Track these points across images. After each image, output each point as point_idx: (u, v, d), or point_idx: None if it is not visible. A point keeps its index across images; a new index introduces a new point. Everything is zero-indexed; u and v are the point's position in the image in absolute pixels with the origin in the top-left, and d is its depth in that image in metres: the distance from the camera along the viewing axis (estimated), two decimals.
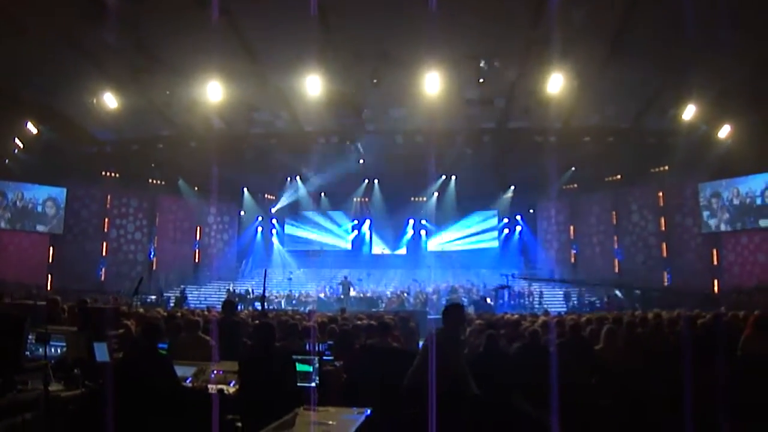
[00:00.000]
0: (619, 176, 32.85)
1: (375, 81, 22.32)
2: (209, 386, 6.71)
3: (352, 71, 22.08)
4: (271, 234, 39.25)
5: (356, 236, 39.12)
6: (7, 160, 27.78)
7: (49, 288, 27.92)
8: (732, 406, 7.24)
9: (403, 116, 27.25)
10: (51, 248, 30.80)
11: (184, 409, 6.09)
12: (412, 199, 37.51)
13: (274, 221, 39.06)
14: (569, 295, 30.90)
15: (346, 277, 32.15)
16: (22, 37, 19.36)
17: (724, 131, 25.39)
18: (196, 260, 35.97)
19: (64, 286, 26.46)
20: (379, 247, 38.92)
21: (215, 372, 7.07)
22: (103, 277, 31.78)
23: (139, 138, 29.88)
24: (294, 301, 30.26)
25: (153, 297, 29.48)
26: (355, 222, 39.06)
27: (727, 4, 16.36)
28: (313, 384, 6.81)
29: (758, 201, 27.11)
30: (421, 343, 13.21)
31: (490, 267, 35.77)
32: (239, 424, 6.06)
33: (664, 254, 31.23)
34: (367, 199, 37.97)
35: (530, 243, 37.43)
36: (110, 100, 23.77)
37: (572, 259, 34.85)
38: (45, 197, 30.39)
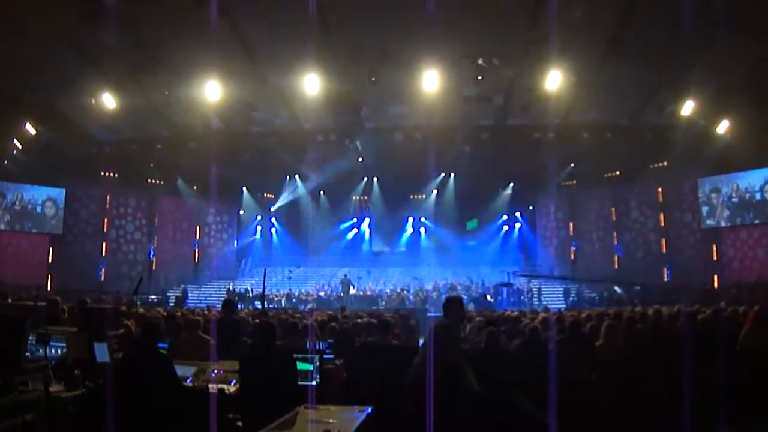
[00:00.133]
0: (618, 172, 32.84)
1: (373, 79, 22.32)
2: (210, 385, 6.71)
3: (350, 69, 22.06)
4: (271, 233, 39.25)
5: (356, 234, 39.08)
6: (5, 161, 27.73)
7: (49, 288, 27.90)
8: (732, 400, 7.25)
9: (401, 114, 27.27)
10: (51, 249, 30.78)
11: (184, 408, 6.10)
12: (412, 196, 37.53)
13: (273, 220, 39.05)
14: (569, 292, 30.92)
15: (346, 275, 32.18)
16: (21, 37, 19.35)
17: (723, 126, 25.36)
18: (196, 260, 35.97)
19: (64, 286, 26.44)
20: (378, 245, 38.90)
21: (216, 371, 7.07)
22: (102, 278, 31.77)
23: (138, 138, 29.87)
24: (294, 300, 30.27)
25: (153, 297, 29.49)
26: (355, 220, 39.04)
27: (725, 2, 16.38)
28: (314, 382, 6.81)
29: (757, 196, 27.10)
30: (421, 341, 13.25)
31: (489, 264, 35.81)
32: (240, 423, 6.07)
33: (664, 250, 31.24)
34: (366, 197, 37.98)
35: (530, 240, 37.46)
36: (109, 101, 23.75)
37: (572, 256, 34.86)
38: (44, 198, 30.36)
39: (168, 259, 34.41)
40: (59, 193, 30.82)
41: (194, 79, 22.46)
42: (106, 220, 32.62)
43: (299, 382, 6.50)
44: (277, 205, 37.88)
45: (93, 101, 23.96)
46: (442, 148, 28.69)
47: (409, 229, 38.68)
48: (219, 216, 36.75)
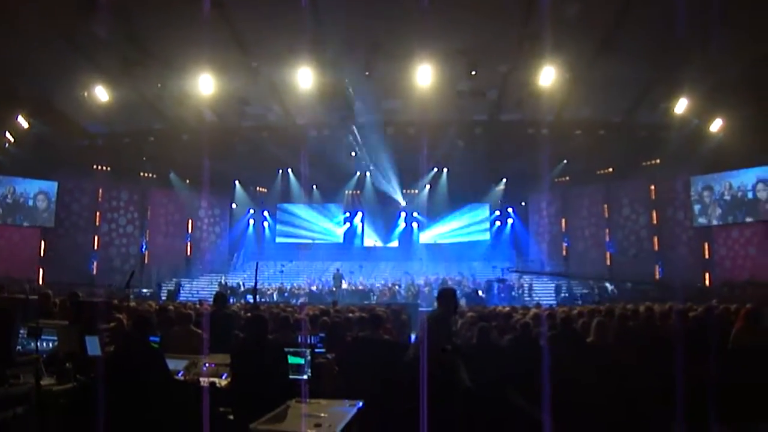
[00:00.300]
0: (610, 169, 32.92)
1: (367, 73, 22.30)
2: (201, 379, 6.71)
3: (343, 64, 22.04)
4: (263, 227, 39.22)
5: (348, 229, 39.08)
6: None
7: (40, 282, 27.86)
8: (723, 398, 7.28)
9: (395, 108, 27.26)
10: (42, 242, 30.71)
11: (176, 402, 6.09)
12: (405, 191, 37.50)
13: (265, 214, 39.02)
14: (560, 288, 30.99)
15: (338, 270, 32.19)
16: (14, 30, 19.24)
17: (716, 125, 25.42)
18: (188, 253, 35.92)
19: (56, 280, 26.37)
20: (371, 240, 38.92)
21: (207, 365, 7.07)
22: (94, 271, 31.72)
23: (130, 131, 29.78)
24: (286, 294, 30.27)
25: (146, 290, 29.46)
26: (347, 214, 39.02)
27: (719, 1, 16.42)
28: (305, 376, 6.82)
29: (749, 195, 27.23)
30: (413, 336, 13.26)
31: (481, 259, 35.90)
32: (231, 417, 6.07)
33: (656, 248, 31.35)
34: (359, 192, 37.96)
35: (522, 235, 37.50)
36: (101, 94, 23.64)
37: (564, 252, 34.92)
38: (36, 191, 30.28)
39: (160, 252, 34.35)
40: (51, 186, 30.72)
41: (187, 72, 22.39)
42: (98, 213, 32.55)
43: (291, 376, 6.51)
44: (270, 198, 37.84)
45: (86, 94, 23.84)
46: (435, 143, 28.68)
47: (402, 224, 38.65)
48: (211, 209, 36.71)
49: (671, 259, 30.30)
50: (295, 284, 31.95)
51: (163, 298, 28.08)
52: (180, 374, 6.93)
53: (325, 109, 26.54)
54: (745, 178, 27.43)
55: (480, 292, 29.42)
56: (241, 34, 20.83)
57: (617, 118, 27.49)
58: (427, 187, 36.38)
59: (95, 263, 32.02)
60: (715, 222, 28.66)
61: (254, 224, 38.90)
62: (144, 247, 33.86)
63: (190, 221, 35.90)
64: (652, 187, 31.69)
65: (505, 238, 38.07)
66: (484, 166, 33.04)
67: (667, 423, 7.38)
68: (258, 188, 38.12)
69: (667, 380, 7.21)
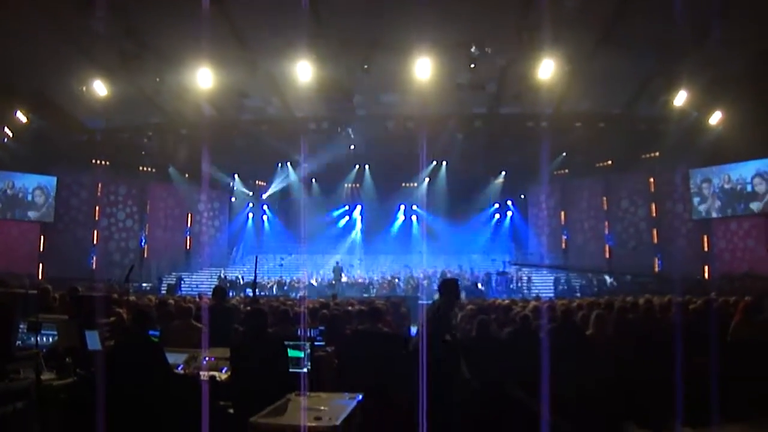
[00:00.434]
0: (609, 162, 32.85)
1: (366, 67, 22.27)
2: (201, 373, 6.71)
3: (342, 57, 22.01)
4: (262, 220, 39.21)
5: (347, 222, 39.04)
6: None
7: (40, 277, 27.83)
8: (723, 390, 7.31)
9: (394, 102, 27.20)
10: (42, 237, 30.67)
11: (175, 396, 6.10)
12: (403, 184, 37.49)
13: (265, 207, 39.00)
14: (558, 280, 31.04)
15: (338, 263, 32.22)
16: (11, 25, 19.21)
17: (716, 118, 25.40)
18: (188, 247, 35.88)
19: (56, 274, 26.37)
20: (370, 233, 38.87)
21: (207, 359, 7.07)
22: (94, 266, 31.68)
23: (129, 126, 29.74)
24: (285, 287, 30.30)
25: (146, 285, 29.49)
26: (346, 208, 39.00)
27: None
28: (305, 369, 6.83)
29: (748, 188, 27.22)
30: (413, 329, 13.28)
31: (481, 252, 35.91)
32: (231, 411, 6.08)
33: (655, 240, 31.36)
34: (358, 185, 37.93)
35: (521, 228, 37.51)
36: (100, 88, 23.60)
37: (563, 245, 34.92)
38: (35, 186, 30.23)
39: (159, 246, 34.33)
40: (50, 181, 30.66)
41: (185, 66, 22.34)
42: (97, 208, 32.48)
43: (290, 370, 6.52)
44: (269, 192, 37.80)
45: (84, 89, 23.80)
46: (435, 136, 28.63)
47: (401, 217, 38.63)
48: (210, 203, 36.63)
49: (670, 251, 30.30)
50: (294, 277, 31.95)
51: (163, 292, 28.08)
52: (180, 368, 6.94)
53: (324, 103, 26.55)
54: (744, 171, 27.41)
55: (479, 285, 29.46)
56: (240, 27, 20.78)
57: (616, 110, 27.47)
58: (427, 180, 36.34)
59: (95, 258, 31.99)
60: (714, 215, 28.66)
61: (253, 218, 38.85)
62: (143, 241, 33.83)
63: (189, 215, 35.84)
64: (652, 179, 31.68)
65: (505, 230, 38.08)
66: (483, 159, 33.04)
67: (667, 415, 7.40)
68: (257, 182, 38.06)
69: (667, 373, 7.23)
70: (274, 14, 19.53)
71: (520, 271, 31.66)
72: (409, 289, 29.35)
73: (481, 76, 23.47)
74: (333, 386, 6.89)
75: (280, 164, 35.97)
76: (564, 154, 32.00)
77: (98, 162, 32.31)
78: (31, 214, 30.23)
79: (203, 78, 22.57)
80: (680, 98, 24.15)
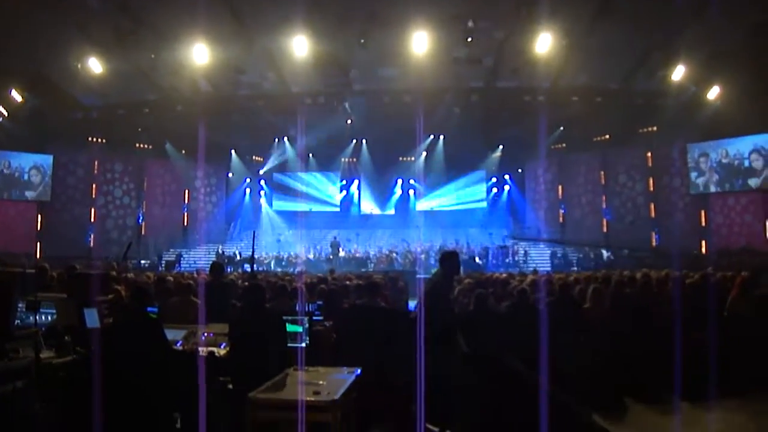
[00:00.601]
0: (607, 136, 32.75)
1: (362, 41, 22.16)
2: (199, 348, 6.73)
3: (339, 31, 21.89)
4: (260, 195, 39.17)
5: (345, 196, 39.06)
6: None
7: (38, 256, 27.86)
8: (720, 364, 7.35)
9: (390, 76, 27.09)
10: (39, 216, 30.68)
11: (174, 372, 6.13)
12: (401, 159, 37.44)
13: (262, 183, 38.95)
14: (555, 254, 31.13)
15: (335, 238, 32.25)
16: (4, 2, 19.06)
17: (714, 92, 25.33)
18: (185, 223, 35.88)
19: (53, 253, 26.36)
20: (367, 207, 38.90)
21: (205, 334, 7.09)
22: (92, 244, 31.71)
23: (125, 102, 29.61)
24: (283, 263, 30.34)
25: (144, 261, 29.55)
26: (344, 182, 38.98)
27: None
28: (303, 344, 6.85)
29: (746, 163, 27.18)
30: (410, 303, 13.31)
31: (478, 226, 35.95)
32: (230, 386, 6.11)
33: (652, 215, 31.38)
34: (355, 160, 37.84)
35: (518, 203, 37.51)
36: (95, 65, 23.51)
37: (560, 219, 34.93)
38: (31, 165, 30.16)
39: (157, 223, 34.33)
40: (46, 160, 30.60)
41: (181, 41, 22.23)
42: (94, 185, 32.46)
43: (289, 344, 6.54)
44: (266, 167, 37.74)
45: (79, 66, 23.69)
46: (432, 110, 28.55)
47: (398, 192, 38.62)
48: (207, 179, 36.57)
49: (667, 226, 30.32)
50: (292, 253, 31.97)
51: (161, 269, 28.12)
52: (178, 344, 6.96)
53: (321, 77, 26.44)
54: (742, 146, 27.36)
55: (477, 259, 29.52)
56: (236, 2, 20.64)
57: (614, 85, 27.35)
58: (424, 154, 36.27)
59: (92, 236, 32.00)
60: (712, 189, 28.65)
61: (251, 193, 38.81)
62: (141, 218, 33.83)
63: (186, 191, 35.80)
64: (649, 154, 31.64)
65: (502, 205, 38.04)
66: (480, 134, 32.90)
67: (664, 389, 7.46)
68: (254, 157, 37.99)
69: (664, 347, 7.27)
70: None
71: (517, 245, 31.70)
72: (406, 263, 29.40)
73: (478, 50, 23.38)
74: (331, 360, 6.91)
75: (276, 139, 35.84)
76: (561, 128, 31.90)
77: (94, 140, 32.25)
78: (28, 194, 30.20)
79: (199, 54, 22.48)
80: (678, 72, 24.09)
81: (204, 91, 27.66)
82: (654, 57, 23.88)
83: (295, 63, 23.66)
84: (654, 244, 30.78)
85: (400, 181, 38.44)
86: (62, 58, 23.39)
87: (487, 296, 8.97)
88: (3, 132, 27.50)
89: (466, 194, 38.06)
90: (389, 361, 6.76)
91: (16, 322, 6.53)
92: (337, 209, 38.90)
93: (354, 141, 36.13)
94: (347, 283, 12.44)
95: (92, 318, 6.79)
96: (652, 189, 31.53)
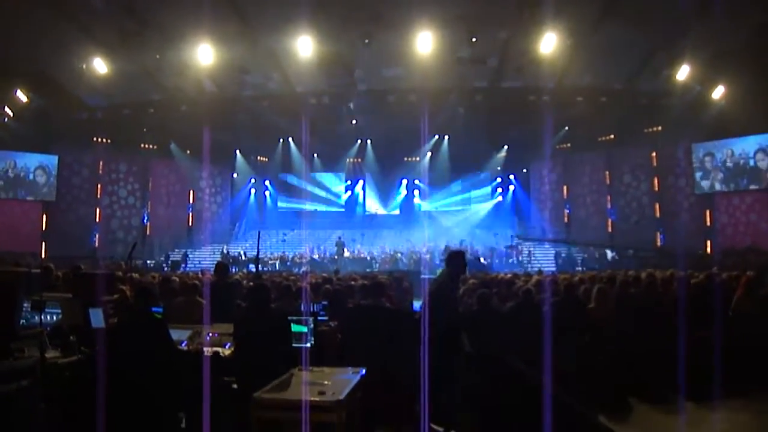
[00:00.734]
0: (612, 136, 32.69)
1: (367, 41, 22.18)
2: (204, 349, 6.74)
3: (343, 31, 21.91)
4: (264, 196, 39.18)
5: (350, 197, 39.05)
6: None
7: (43, 256, 27.91)
8: (726, 363, 7.33)
9: (395, 76, 27.13)
10: (44, 216, 30.71)
11: (179, 372, 6.13)
12: (406, 159, 37.41)
13: (267, 183, 38.96)
14: (559, 254, 31.11)
15: (340, 238, 32.26)
16: (10, 3, 19.11)
17: (718, 92, 25.29)
18: (190, 223, 35.91)
19: (58, 253, 26.40)
20: (372, 207, 38.89)
21: (210, 334, 7.10)
22: (96, 244, 31.72)
23: (130, 103, 29.69)
24: (288, 263, 30.34)
25: (150, 262, 29.61)
26: (348, 183, 38.98)
27: None
28: (308, 344, 6.86)
29: (751, 162, 27.09)
30: (415, 303, 13.31)
31: (483, 227, 35.90)
32: (235, 386, 6.11)
33: (657, 214, 31.30)
34: (360, 160, 37.84)
35: (523, 203, 37.44)
36: (100, 66, 23.58)
37: (565, 219, 34.90)
38: (36, 165, 30.21)
39: (162, 223, 34.36)
40: (51, 160, 30.63)
41: (186, 42, 22.28)
42: (99, 186, 32.46)
43: (294, 345, 6.54)
44: (271, 168, 37.77)
45: (84, 67, 23.76)
46: (436, 111, 28.54)
47: (403, 192, 38.60)
48: (212, 179, 36.57)
49: (673, 226, 30.25)
50: (297, 253, 31.99)
51: (166, 268, 28.16)
52: (183, 344, 6.97)
53: (325, 77, 26.46)
54: (747, 146, 27.27)
55: (482, 259, 29.49)
56: (240, 2, 20.67)
57: (619, 84, 27.33)
58: (429, 154, 36.25)
59: (97, 236, 32.03)
60: (717, 188, 28.56)
61: (256, 193, 38.84)
62: (146, 218, 33.86)
63: (191, 191, 35.83)
64: (654, 154, 31.56)
65: (507, 205, 37.99)
66: (485, 134, 32.84)
67: (669, 389, 7.44)
68: (259, 157, 38.00)
69: (669, 347, 7.25)
70: None
71: (521, 245, 31.68)
72: (411, 263, 29.35)
73: (483, 50, 23.38)
74: (336, 361, 6.92)
75: (281, 140, 35.86)
76: (566, 128, 31.89)
77: (99, 140, 32.25)
78: (34, 194, 30.23)
79: (204, 54, 22.54)
80: (683, 72, 24.07)
81: (209, 92, 27.70)
82: (658, 57, 23.86)
83: (300, 63, 23.69)
84: (659, 244, 30.71)
85: (405, 182, 38.38)
86: (67, 58, 23.47)
87: (490, 296, 8.97)
88: (8, 132, 27.57)
89: (471, 194, 38.03)
90: (394, 361, 6.77)
91: (22, 321, 6.56)
92: (342, 209, 38.90)
93: (359, 141, 36.13)
94: (352, 283, 12.43)
95: (97, 318, 6.80)
96: (657, 189, 31.44)
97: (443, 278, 7.36)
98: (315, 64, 23.72)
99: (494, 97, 28.67)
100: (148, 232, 33.56)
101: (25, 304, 6.72)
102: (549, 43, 21.72)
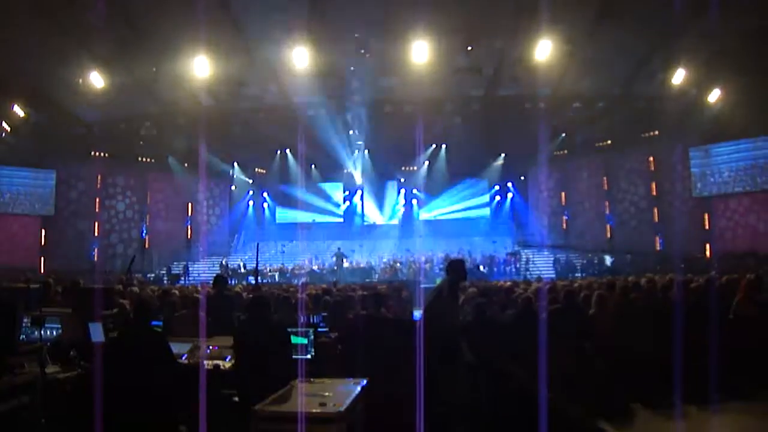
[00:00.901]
0: (609, 142, 32.75)
1: (363, 51, 22.23)
2: (204, 362, 6.72)
3: (339, 42, 21.96)
4: (263, 208, 39.17)
5: (348, 207, 39.04)
6: None
7: (42, 271, 27.88)
8: (725, 367, 7.32)
9: (391, 86, 27.14)
10: (43, 231, 30.67)
11: (180, 385, 6.12)
12: (403, 168, 37.41)
13: (265, 195, 38.96)
14: (558, 260, 31.10)
15: (339, 249, 32.23)
16: (5, 18, 19.14)
17: (714, 95, 25.37)
18: (189, 236, 35.87)
19: (57, 268, 26.38)
20: (371, 217, 38.86)
21: (210, 347, 7.09)
22: (95, 258, 31.67)
23: (126, 116, 29.70)
24: (287, 274, 30.32)
25: (150, 275, 29.56)
26: (347, 193, 38.97)
27: None
28: (309, 356, 6.84)
29: (748, 165, 27.09)
30: (415, 313, 13.29)
31: (482, 235, 35.89)
32: (236, 399, 6.10)
33: (656, 219, 31.31)
34: (357, 170, 37.83)
35: (522, 210, 37.45)
36: (96, 80, 23.60)
37: (564, 226, 34.90)
38: (34, 180, 30.16)
39: (161, 236, 34.31)
40: (49, 175, 30.60)
41: (182, 54, 22.31)
42: (97, 200, 32.40)
43: (294, 356, 6.53)
44: (269, 180, 37.77)
45: (81, 81, 23.78)
46: (433, 120, 28.61)
47: (401, 201, 38.59)
48: (210, 192, 36.55)
49: (671, 230, 30.23)
50: (296, 264, 31.96)
51: (165, 281, 28.12)
52: (184, 358, 6.96)
53: (322, 88, 26.49)
54: (744, 149, 27.30)
55: (481, 267, 29.47)
56: (236, 14, 20.71)
57: (615, 90, 27.38)
58: (426, 163, 36.28)
59: (96, 250, 31.97)
60: (715, 190, 28.55)
61: (254, 205, 38.82)
62: (144, 231, 33.82)
63: (189, 204, 35.81)
64: (651, 158, 31.59)
65: (505, 213, 38.02)
66: (482, 142, 32.89)
67: (669, 394, 7.42)
68: (257, 169, 38.01)
69: (669, 352, 7.24)
70: (271, 1, 19.46)
71: (521, 252, 31.69)
72: (410, 273, 29.32)
73: (479, 58, 23.43)
74: (337, 372, 6.90)
75: (279, 151, 35.87)
76: (563, 134, 31.96)
77: (97, 154, 32.20)
78: (32, 209, 30.18)
79: (200, 66, 22.57)
80: (678, 76, 24.14)
81: (205, 104, 27.71)
82: (654, 61, 23.94)
83: (296, 74, 23.72)
84: (658, 248, 30.71)
85: (403, 191, 38.37)
86: (63, 73, 23.50)
87: (486, 306, 8.95)
88: (6, 147, 27.56)
89: (469, 203, 38.04)
90: (395, 371, 6.75)
91: (21, 337, 6.54)
92: (341, 220, 38.88)
93: (356, 151, 36.14)
94: (352, 294, 12.42)
95: (97, 332, 6.79)
96: (655, 193, 31.47)
97: (442, 287, 7.36)
98: (311, 75, 23.74)
99: (491, 105, 28.73)
100: (146, 246, 33.49)
101: (25, 320, 6.71)
102: (544, 50, 21.79)
